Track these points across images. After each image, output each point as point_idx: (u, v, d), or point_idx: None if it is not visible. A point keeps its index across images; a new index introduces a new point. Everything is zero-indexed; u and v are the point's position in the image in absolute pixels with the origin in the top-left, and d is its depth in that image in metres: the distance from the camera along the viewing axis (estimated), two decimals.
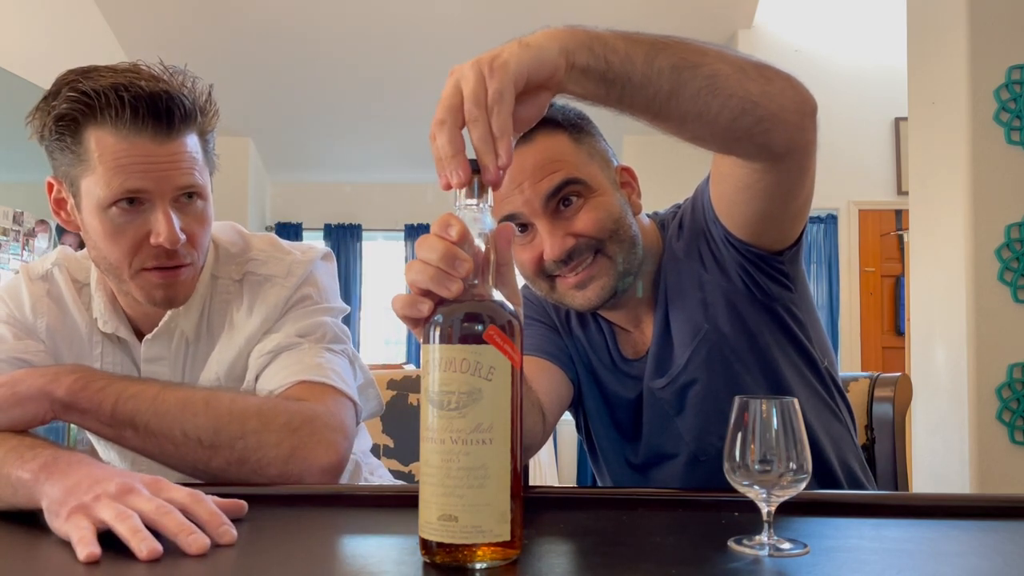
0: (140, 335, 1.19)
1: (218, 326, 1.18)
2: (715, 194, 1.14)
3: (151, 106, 1.03)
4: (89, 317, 1.19)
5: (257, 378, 1.13)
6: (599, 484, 1.41)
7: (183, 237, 1.07)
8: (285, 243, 1.24)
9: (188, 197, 1.09)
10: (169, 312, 1.15)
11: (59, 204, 1.13)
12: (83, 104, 1.03)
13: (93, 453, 1.17)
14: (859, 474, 1.24)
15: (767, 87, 0.91)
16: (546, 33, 0.79)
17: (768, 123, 0.93)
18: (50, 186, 1.13)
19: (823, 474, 1.19)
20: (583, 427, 1.36)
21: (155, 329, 1.16)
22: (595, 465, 1.39)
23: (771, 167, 1.01)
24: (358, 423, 1.13)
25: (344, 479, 1.26)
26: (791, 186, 1.05)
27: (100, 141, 1.04)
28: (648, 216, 1.28)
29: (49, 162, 1.12)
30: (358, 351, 1.25)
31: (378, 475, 1.38)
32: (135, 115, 1.02)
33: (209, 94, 1.11)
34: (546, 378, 1.22)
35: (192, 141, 1.09)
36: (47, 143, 1.08)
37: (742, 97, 0.90)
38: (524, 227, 1.16)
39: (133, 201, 1.05)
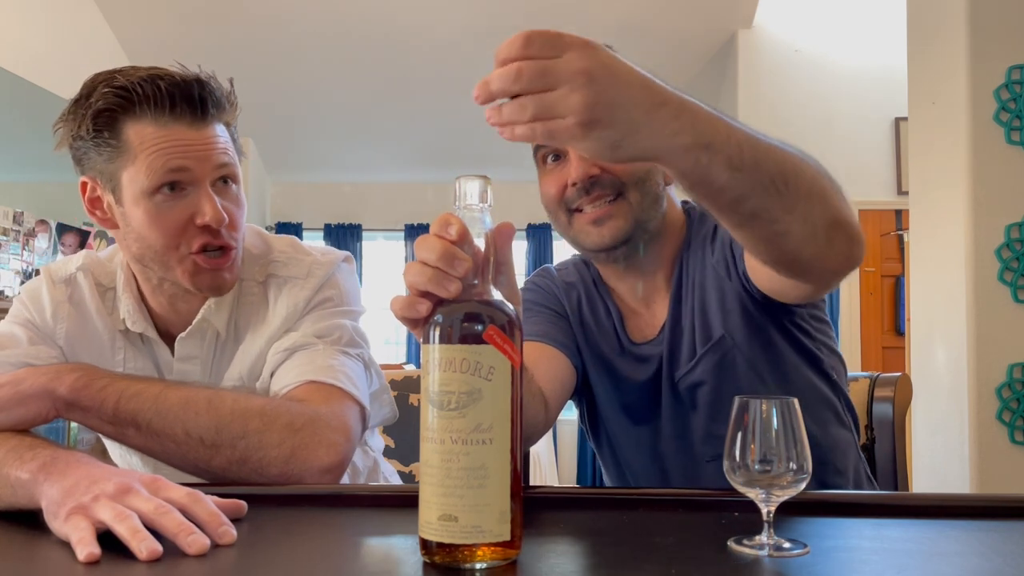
0: (167, 338, 1.20)
1: (244, 327, 1.19)
2: (746, 259, 1.15)
3: (186, 93, 1.08)
4: (111, 322, 1.19)
5: (272, 374, 1.14)
6: (603, 475, 1.41)
7: (227, 217, 1.10)
8: (305, 244, 1.26)
9: (223, 182, 1.13)
10: (202, 311, 1.16)
11: (94, 203, 1.14)
12: (122, 98, 1.07)
13: (96, 453, 1.17)
14: (865, 485, 1.26)
15: (828, 249, 0.89)
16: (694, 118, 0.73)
17: (811, 276, 0.95)
18: (84, 186, 1.14)
19: (831, 485, 1.19)
20: (587, 416, 1.36)
21: (189, 328, 1.17)
22: (600, 453, 1.38)
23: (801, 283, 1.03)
24: (366, 427, 1.13)
25: (363, 478, 1.27)
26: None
27: (139, 132, 1.07)
28: (682, 203, 1.30)
29: (77, 166, 1.14)
30: None
31: (390, 479, 1.38)
32: (172, 103, 1.07)
33: (231, 87, 1.15)
34: (550, 364, 1.22)
35: (221, 128, 1.13)
36: (82, 143, 1.10)
37: (792, 251, 0.88)
38: (558, 156, 1.18)
39: (174, 187, 1.08)
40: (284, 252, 1.22)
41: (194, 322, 1.17)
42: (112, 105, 1.07)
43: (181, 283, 1.13)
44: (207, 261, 1.11)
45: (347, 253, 1.27)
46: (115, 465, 1.15)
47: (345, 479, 1.22)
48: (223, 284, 1.14)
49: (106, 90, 1.07)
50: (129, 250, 1.15)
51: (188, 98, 1.08)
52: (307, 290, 1.18)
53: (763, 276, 1.10)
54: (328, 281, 1.19)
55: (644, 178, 1.17)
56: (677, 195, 1.29)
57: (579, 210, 1.18)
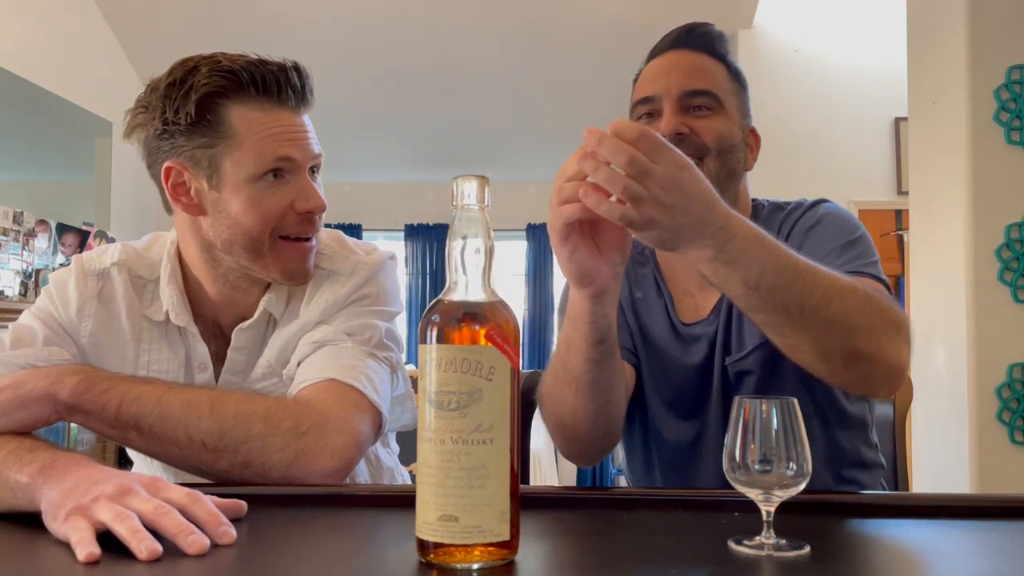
0: (210, 329, 1.20)
1: (284, 316, 1.20)
2: None
3: (289, 78, 1.10)
4: (142, 320, 1.18)
5: (299, 364, 1.14)
6: (625, 465, 1.41)
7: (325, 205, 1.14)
8: (350, 241, 1.26)
9: (311, 171, 1.15)
10: (263, 302, 1.17)
11: (177, 190, 1.13)
12: (230, 81, 1.07)
13: (95, 454, 1.17)
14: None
15: (844, 373, 0.97)
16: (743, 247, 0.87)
17: (829, 382, 1.02)
18: (167, 172, 1.12)
19: None
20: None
21: (250, 320, 1.18)
22: (627, 441, 1.37)
23: None
24: (380, 432, 1.12)
25: (385, 477, 1.26)
26: None
27: (244, 117, 1.08)
28: (752, 200, 1.32)
29: (154, 153, 1.12)
30: None
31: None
32: (279, 88, 1.09)
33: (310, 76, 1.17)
34: None
35: (308, 118, 1.15)
36: (174, 128, 1.08)
37: (806, 363, 0.97)
38: (651, 116, 1.22)
39: (277, 173, 1.10)
40: (330, 246, 1.22)
41: (257, 312, 1.17)
42: (218, 88, 1.06)
43: (266, 271, 1.13)
44: (298, 246, 1.13)
45: (391, 251, 1.26)
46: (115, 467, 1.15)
47: (365, 476, 1.22)
48: (308, 272, 1.16)
49: (210, 73, 1.06)
50: (214, 237, 1.13)
51: (291, 84, 1.10)
52: (347, 287, 1.18)
53: None
54: (370, 280, 1.19)
55: (727, 150, 1.19)
56: (750, 188, 1.31)
57: None
